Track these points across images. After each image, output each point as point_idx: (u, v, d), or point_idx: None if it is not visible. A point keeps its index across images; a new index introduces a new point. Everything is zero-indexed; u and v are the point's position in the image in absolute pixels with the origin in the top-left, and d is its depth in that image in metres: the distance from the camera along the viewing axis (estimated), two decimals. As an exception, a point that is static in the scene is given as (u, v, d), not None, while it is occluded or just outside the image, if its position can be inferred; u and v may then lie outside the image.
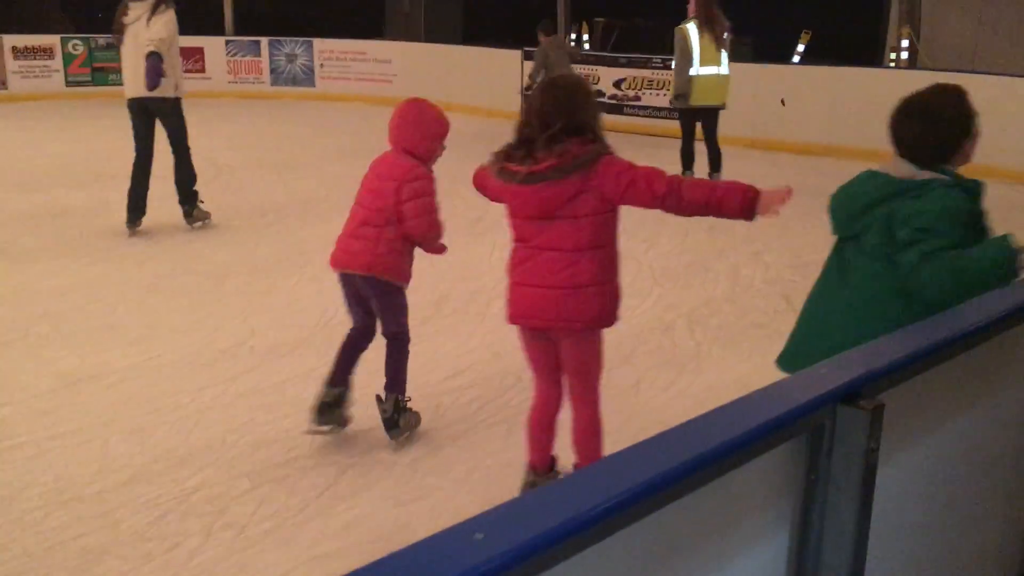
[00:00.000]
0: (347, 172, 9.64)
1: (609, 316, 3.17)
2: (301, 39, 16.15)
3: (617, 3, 20.95)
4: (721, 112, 8.44)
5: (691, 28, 8.31)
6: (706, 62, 8.26)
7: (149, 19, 6.78)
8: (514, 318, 3.18)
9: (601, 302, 3.12)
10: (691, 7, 8.37)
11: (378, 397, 3.85)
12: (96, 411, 4.05)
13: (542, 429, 3.36)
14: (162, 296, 5.67)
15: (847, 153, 11.17)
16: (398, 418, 3.82)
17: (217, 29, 16.57)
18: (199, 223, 7.34)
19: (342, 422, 3.89)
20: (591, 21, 16.30)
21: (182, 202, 7.32)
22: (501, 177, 3.00)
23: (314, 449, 3.79)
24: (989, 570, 2.47)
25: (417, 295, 5.74)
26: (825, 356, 1.64)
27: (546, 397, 3.32)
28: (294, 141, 11.71)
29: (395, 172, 3.68)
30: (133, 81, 6.91)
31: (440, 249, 3.89)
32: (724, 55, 8.37)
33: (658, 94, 12.95)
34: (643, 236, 7.30)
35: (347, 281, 3.84)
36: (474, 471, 3.66)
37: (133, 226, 7.02)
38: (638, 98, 13.22)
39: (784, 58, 13.55)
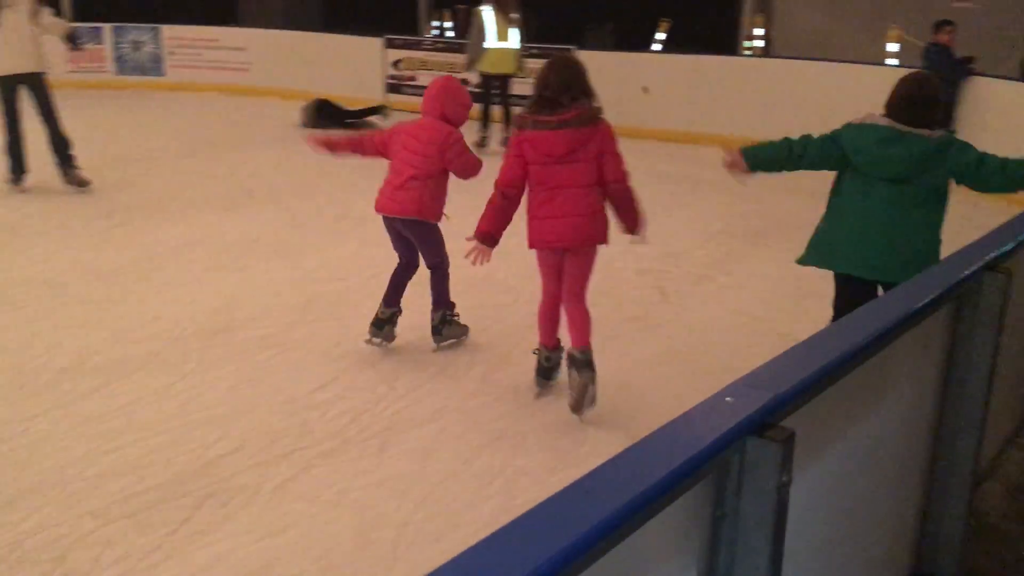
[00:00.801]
0: (202, 167, 9.17)
1: (607, 235, 4.13)
2: (148, 25, 15.24)
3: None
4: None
5: (486, 10, 9.80)
6: (500, 38, 9.86)
7: None
8: (539, 244, 4.12)
9: (606, 224, 4.08)
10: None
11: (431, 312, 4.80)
12: (-90, 449, 3.57)
13: (551, 319, 4.31)
14: (-8, 310, 5.13)
15: (708, 140, 11.36)
16: (442, 327, 4.78)
17: (55, 15, 15.42)
18: (79, 186, 7.94)
19: (390, 338, 4.76)
20: (454, 8, 16.05)
21: (60, 164, 8.00)
22: (536, 127, 3.88)
23: (167, 478, 3.45)
24: (883, 573, 2.42)
25: (280, 299, 5.45)
26: (909, 260, 3.33)
27: (554, 296, 4.25)
28: (143, 135, 10.99)
29: (436, 137, 4.48)
30: (14, 57, 7.62)
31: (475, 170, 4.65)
32: (515, 32, 9.94)
33: (522, 81, 12.85)
34: (510, 231, 7.13)
35: (390, 224, 4.70)
36: (347, 493, 3.40)
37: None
38: (414, 78, 13.15)
39: (645, 46, 13.68)
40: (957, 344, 2.38)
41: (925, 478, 2.49)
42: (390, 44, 13.82)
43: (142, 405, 4.02)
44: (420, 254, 4.76)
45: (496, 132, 10.14)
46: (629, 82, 12.08)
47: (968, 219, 7.76)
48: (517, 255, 6.40)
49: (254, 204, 7.75)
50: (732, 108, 11.37)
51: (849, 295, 3.83)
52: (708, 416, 1.39)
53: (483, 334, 5.03)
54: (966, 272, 2.17)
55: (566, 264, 4.12)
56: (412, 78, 13.70)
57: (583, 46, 12.47)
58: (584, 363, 4.03)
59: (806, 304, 5.63)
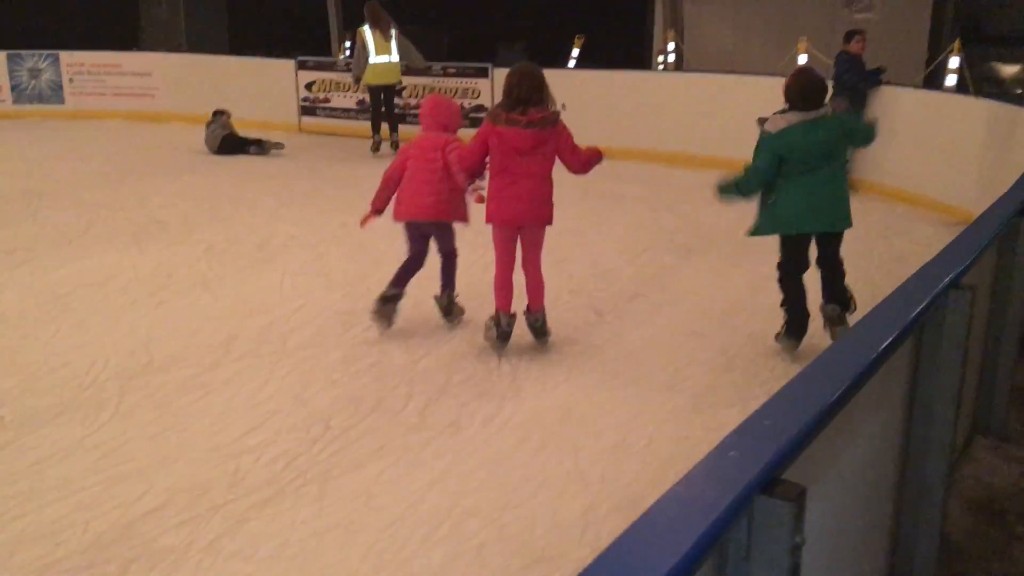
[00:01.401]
0: (109, 199, 8.74)
1: (552, 217, 4.99)
2: (45, 52, 14.58)
3: (390, 11, 20.61)
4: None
5: (366, 29, 10.85)
6: (380, 53, 10.88)
7: None
8: (499, 220, 4.87)
9: (553, 208, 4.97)
10: (367, 13, 10.93)
11: (436, 296, 5.42)
12: None
13: (507, 287, 5.02)
14: None
15: (625, 155, 11.39)
16: (451, 307, 5.40)
17: (-58, 42, 14.68)
18: None
19: (390, 321, 5.27)
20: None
21: None
22: (508, 123, 4.64)
23: (87, 543, 3.18)
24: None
25: (201, 337, 5.17)
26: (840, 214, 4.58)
27: (508, 267, 5.00)
28: (44, 166, 10.46)
29: (439, 143, 5.08)
30: None
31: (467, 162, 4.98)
32: (394, 46, 10.96)
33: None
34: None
35: (414, 226, 5.28)
36: (285, 547, 3.19)
37: None
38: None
39: (560, 63, 13.69)
40: (922, 365, 2.32)
41: (895, 502, 2.42)
42: (302, 66, 13.52)
43: (55, 461, 3.72)
44: (438, 246, 5.37)
45: (386, 137, 11.24)
46: (547, 99, 12.05)
47: (888, 227, 7.93)
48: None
49: (167, 235, 7.41)
50: (648, 122, 11.44)
51: (800, 251, 4.88)
52: (712, 474, 1.26)
53: (418, 364, 4.85)
54: (935, 291, 2.11)
55: (523, 239, 4.97)
56: (326, 100, 13.42)
57: (496, 63, 12.41)
58: (540, 330, 5.10)
59: (740, 317, 5.62)
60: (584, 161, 4.98)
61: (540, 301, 5.08)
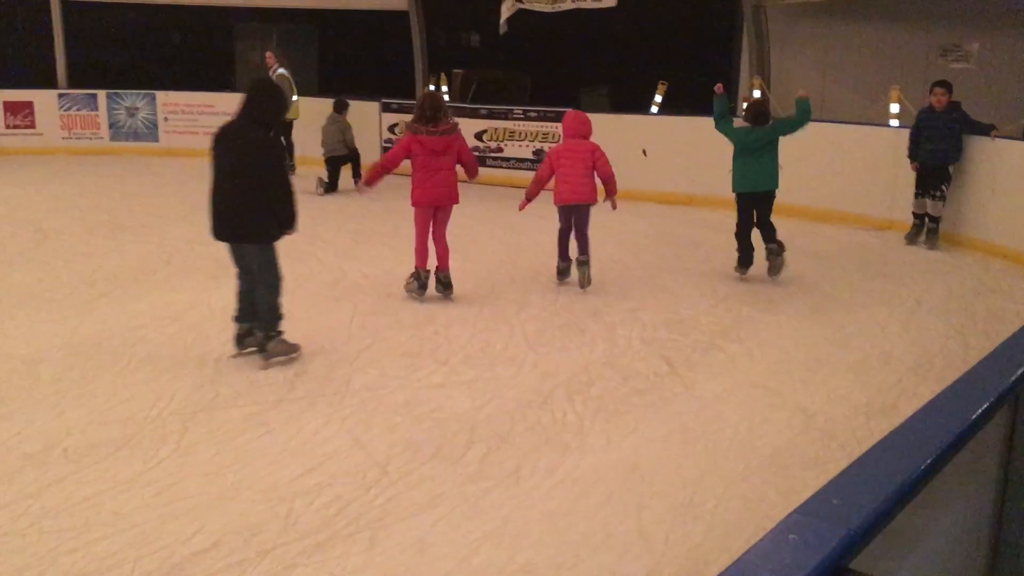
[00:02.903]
0: (191, 233, 8.91)
1: (458, 198, 6.66)
2: (143, 92, 15.17)
3: (475, 55, 20.89)
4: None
5: (285, 71, 12.54)
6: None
7: None
8: (424, 202, 6.49)
9: (458, 191, 6.63)
10: (269, 59, 12.86)
11: (577, 257, 7.11)
12: None
13: (425, 251, 6.62)
14: (-40, 389, 4.83)
15: (708, 202, 11.19)
16: (587, 271, 7.09)
17: (49, 82, 15.39)
18: None
19: (583, 280, 7.05)
20: (449, 73, 16.04)
21: None
22: (427, 134, 6.31)
23: (135, 582, 3.13)
24: None
25: (265, 374, 5.16)
26: (767, 180, 7.35)
27: (425, 237, 6.58)
28: (133, 201, 10.80)
29: (588, 147, 6.97)
30: None
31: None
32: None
33: (520, 145, 12.75)
34: (512, 296, 6.92)
35: (571, 208, 7.06)
36: (332, 597, 3.08)
37: None
38: (500, 149, 12.98)
39: (642, 108, 13.60)
40: (1018, 437, 2.10)
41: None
42: (386, 108, 13.74)
43: (112, 495, 3.71)
44: (580, 223, 7.04)
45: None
46: (627, 145, 11.94)
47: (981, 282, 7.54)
48: (516, 323, 6.19)
49: (244, 272, 7.49)
50: (731, 170, 11.21)
51: (746, 210, 7.44)
52: (768, 561, 1.10)
53: (481, 410, 4.73)
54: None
55: (437, 216, 6.59)
56: (408, 142, 13.58)
57: (579, 108, 12.37)
58: (447, 284, 6.73)
59: (821, 374, 5.36)
60: (474, 167, 6.78)
61: (447, 263, 6.71)
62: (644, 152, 11.84)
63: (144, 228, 9.16)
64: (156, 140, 15.10)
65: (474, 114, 13.15)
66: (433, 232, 6.59)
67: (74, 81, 15.48)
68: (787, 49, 13.28)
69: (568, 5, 12.76)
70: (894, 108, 10.39)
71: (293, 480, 3.90)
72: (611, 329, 6.14)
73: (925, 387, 5.04)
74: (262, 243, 5.20)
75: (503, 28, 13.72)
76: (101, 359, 5.34)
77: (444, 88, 15.38)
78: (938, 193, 8.78)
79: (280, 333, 5.36)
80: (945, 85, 8.89)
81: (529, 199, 7.14)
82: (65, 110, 14.92)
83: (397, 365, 5.37)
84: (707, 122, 11.93)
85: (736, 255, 7.54)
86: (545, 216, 10.24)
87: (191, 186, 11.91)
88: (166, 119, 15.14)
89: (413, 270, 6.66)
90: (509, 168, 12.86)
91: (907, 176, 9.35)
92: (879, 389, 5.11)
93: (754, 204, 7.36)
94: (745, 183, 7.38)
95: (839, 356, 5.70)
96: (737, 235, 7.50)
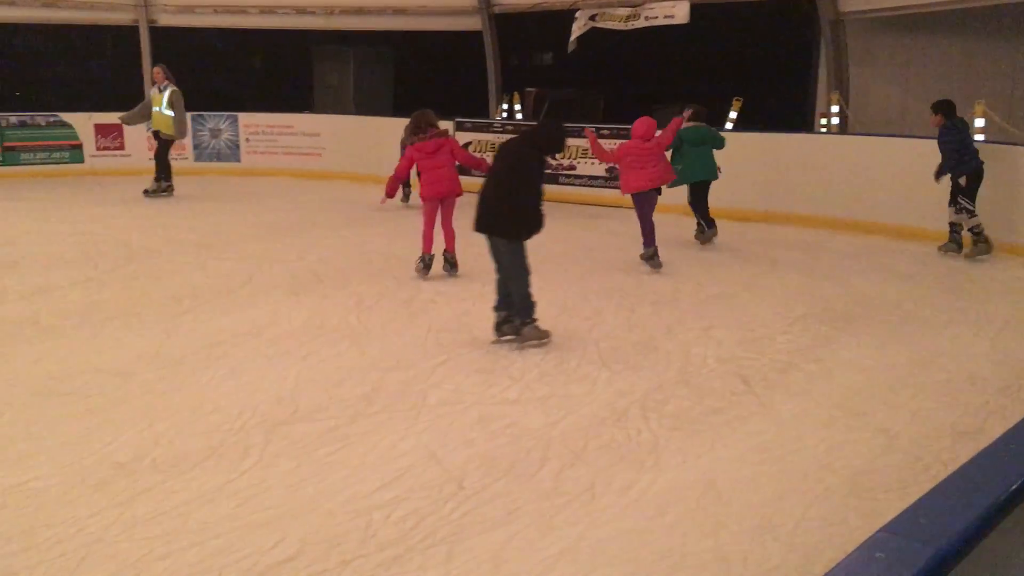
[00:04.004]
0: (271, 251, 9.18)
1: (460, 190, 8.04)
2: (226, 113, 15.66)
3: (548, 74, 21.00)
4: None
5: (177, 89, 12.49)
6: (155, 104, 12.67)
7: None
8: (430, 195, 7.91)
9: (459, 185, 8.03)
10: (157, 76, 12.57)
11: (641, 254, 8.46)
12: (-42, 552, 3.42)
13: (431, 237, 7.92)
14: (56, 400, 5.03)
15: (783, 219, 11.04)
16: (655, 254, 8.44)
17: (137, 105, 15.97)
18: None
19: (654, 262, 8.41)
20: (522, 92, 16.17)
21: None
22: (415, 141, 7.88)
23: (220, 589, 3.22)
24: None
25: (345, 389, 5.26)
26: (709, 171, 9.52)
27: (432, 225, 7.94)
28: (216, 219, 11.14)
29: (654, 142, 8.41)
30: None
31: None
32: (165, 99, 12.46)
33: (593, 162, 12.76)
34: (586, 313, 6.92)
35: (645, 194, 8.39)
36: (410, 609, 3.12)
37: None
38: (573, 167, 13.02)
39: (717, 125, 13.51)
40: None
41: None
42: (460, 127, 13.91)
43: (199, 505, 3.83)
44: (649, 208, 8.36)
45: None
46: (701, 161, 11.87)
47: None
48: (590, 341, 6.19)
49: (321, 288, 7.68)
50: (808, 186, 11.05)
51: (700, 192, 9.40)
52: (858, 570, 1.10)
53: (556, 427, 4.74)
54: None
55: (443, 207, 7.95)
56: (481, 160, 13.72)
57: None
58: (453, 264, 8.09)
59: (904, 395, 5.23)
60: (469, 160, 8.54)
61: (453, 246, 8.05)
62: (718, 169, 11.72)
63: (226, 246, 9.43)
64: (238, 160, 15.55)
65: (547, 132, 13.22)
66: (442, 221, 7.96)
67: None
68: (866, 63, 13.04)
69: (641, 23, 12.77)
70: (979, 123, 10.12)
71: (371, 493, 3.97)
72: (685, 347, 6.10)
73: (1014, 408, 4.89)
74: (511, 241, 5.92)
75: (572, 46, 13.79)
76: (187, 373, 5.51)
77: (517, 107, 15.53)
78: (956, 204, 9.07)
79: (534, 320, 6.02)
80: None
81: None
82: (152, 132, 15.46)
83: (472, 381, 5.42)
84: (783, 138, 11.89)
85: (697, 223, 9.63)
86: (618, 233, 10.24)
87: (271, 205, 12.28)
88: (248, 140, 15.59)
89: (421, 255, 8.00)
90: (582, 186, 12.89)
91: (992, 193, 9.10)
92: (965, 410, 4.97)
93: (704, 189, 9.48)
94: (696, 173, 9.36)
95: (923, 377, 5.56)
96: (699, 209, 9.51)
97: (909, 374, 5.61)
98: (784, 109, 15.68)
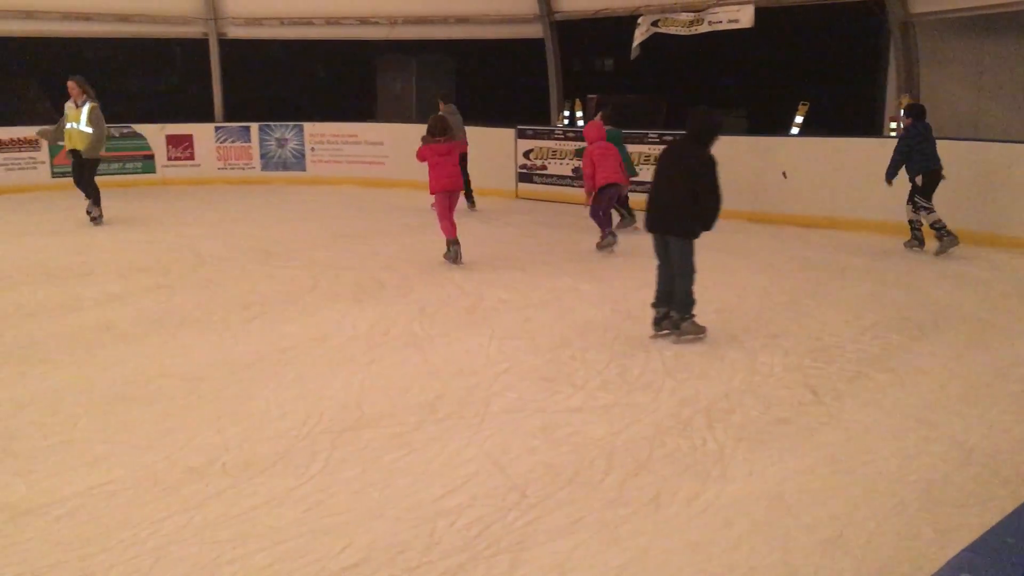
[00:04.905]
0: (335, 259, 9.31)
1: (463, 185, 9.70)
2: (291, 123, 15.97)
3: (609, 80, 20.93)
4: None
5: (95, 104, 11.33)
6: (71, 120, 11.44)
7: None
8: (443, 188, 8.84)
9: (464, 179, 10.88)
10: (73, 90, 11.30)
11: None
12: (39, 553, 3.52)
13: (452, 225, 8.96)
14: (129, 405, 5.17)
15: (851, 225, 10.82)
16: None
17: (207, 116, 16.41)
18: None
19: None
20: (584, 98, 16.15)
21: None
22: (436, 142, 8.80)
23: (288, 593, 3.26)
24: None
25: (409, 395, 5.30)
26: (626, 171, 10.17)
27: (451, 212, 8.94)
28: (282, 227, 11.35)
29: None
30: None
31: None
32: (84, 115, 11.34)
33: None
34: (648, 320, 6.85)
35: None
36: (475, 617, 3.12)
37: None
38: (635, 173, 12.93)
39: (783, 130, 13.31)
40: None
41: None
42: (521, 134, 13.94)
43: (267, 509, 3.88)
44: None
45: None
46: (767, 167, 11.72)
47: None
48: (653, 349, 6.14)
49: (385, 295, 7.75)
50: (878, 191, 10.80)
51: (611, 194, 9.74)
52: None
53: (619, 436, 4.71)
54: None
55: (451, 200, 8.89)
56: (543, 167, 13.73)
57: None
58: (454, 243, 9.01)
59: (980, 406, 5.08)
60: (465, 160, 10.69)
61: (454, 234, 9.03)
62: (784, 175, 11.56)
63: (292, 253, 9.59)
64: (303, 169, 15.83)
65: (609, 139, 13.16)
66: (452, 209, 9.04)
67: (229, 115, 16.43)
68: (937, 66, 12.71)
69: (705, 28, 12.66)
70: None
71: (435, 500, 3.98)
72: (752, 356, 6.01)
73: (1098, 422, 4.71)
74: (684, 238, 6.14)
75: (635, 52, 13.72)
76: (255, 378, 5.61)
77: (579, 113, 15.50)
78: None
79: (693, 316, 6.28)
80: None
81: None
82: (221, 142, 15.85)
83: (534, 389, 5.42)
84: (851, 143, 11.65)
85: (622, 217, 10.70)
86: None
87: (335, 212, 12.46)
88: (312, 149, 15.86)
89: (447, 240, 8.95)
90: (645, 192, 12.78)
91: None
92: (1045, 423, 4.80)
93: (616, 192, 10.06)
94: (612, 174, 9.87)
95: (999, 387, 5.39)
96: (598, 216, 9.76)
97: (985, 384, 5.45)
98: (852, 113, 15.38)
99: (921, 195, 9.41)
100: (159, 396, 5.31)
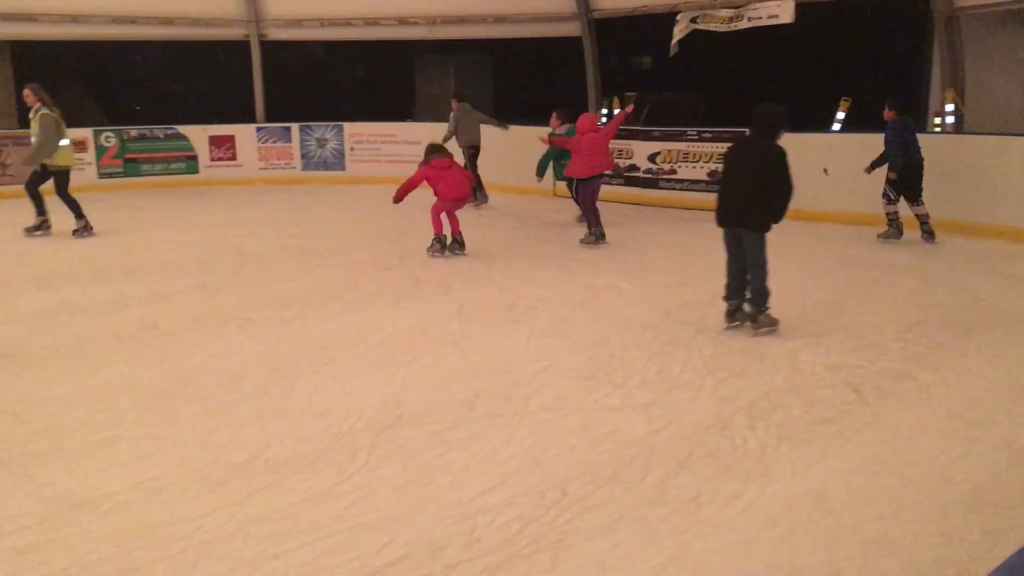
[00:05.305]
0: (375, 257, 9.38)
1: (470, 192, 9.91)
2: (331, 123, 16.11)
3: (647, 77, 20.83)
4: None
5: (50, 111, 10.51)
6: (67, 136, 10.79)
7: None
8: (450, 196, 9.27)
9: (470, 189, 9.98)
10: (28, 98, 10.58)
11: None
12: (87, 546, 3.59)
13: (441, 222, 9.30)
14: (174, 402, 5.25)
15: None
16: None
17: (248, 117, 16.62)
18: None
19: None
20: (622, 96, 16.08)
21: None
22: (439, 161, 9.34)
23: (330, 589, 3.30)
24: None
25: (448, 393, 5.33)
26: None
27: (443, 212, 9.32)
28: (322, 227, 11.46)
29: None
30: None
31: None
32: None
33: (694, 167, 12.59)
34: (688, 319, 6.84)
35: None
36: (515, 615, 3.13)
37: None
38: (674, 171, 12.87)
39: (824, 126, 13.15)
40: None
41: None
42: (559, 133, 13.89)
43: (309, 506, 3.92)
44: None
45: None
46: (807, 164, 11.56)
47: None
48: (693, 347, 6.11)
49: (424, 294, 7.79)
50: (924, 187, 10.63)
51: (594, 187, 9.98)
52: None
53: (659, 434, 4.69)
54: None
55: (454, 207, 9.34)
56: (581, 166, 13.68)
57: (757, 128, 12.12)
58: (462, 243, 9.40)
59: (1030, 407, 4.97)
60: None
61: (459, 229, 9.42)
62: (825, 171, 11.42)
63: (332, 253, 9.68)
64: (343, 169, 15.96)
65: (647, 136, 13.12)
66: (448, 215, 9.37)
67: (270, 115, 16.62)
68: (983, 60, 12.47)
69: (744, 24, 12.54)
70: (949, 107, 9.78)
71: (475, 498, 4.00)
72: (793, 354, 5.95)
73: None
74: (758, 232, 6.26)
75: (674, 49, 13.63)
76: (296, 376, 5.67)
77: (616, 111, 15.44)
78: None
79: (768, 308, 6.37)
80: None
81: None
82: (262, 142, 16.04)
83: (573, 387, 5.41)
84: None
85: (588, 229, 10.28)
86: (720, 238, 10.07)
87: (373, 211, 12.53)
88: (352, 149, 15.98)
89: (434, 237, 9.34)
90: (683, 190, 12.73)
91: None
92: (1097, 424, 4.69)
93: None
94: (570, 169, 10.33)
95: (1049, 388, 5.28)
96: (584, 204, 10.19)
97: (1035, 384, 5.34)
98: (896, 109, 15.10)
99: (892, 187, 9.67)
100: (203, 393, 5.38)
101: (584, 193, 10.01)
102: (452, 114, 13.15)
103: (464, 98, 13.19)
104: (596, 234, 9.90)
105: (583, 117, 10.37)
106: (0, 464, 4.39)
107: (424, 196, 9.43)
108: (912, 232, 10.05)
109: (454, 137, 12.91)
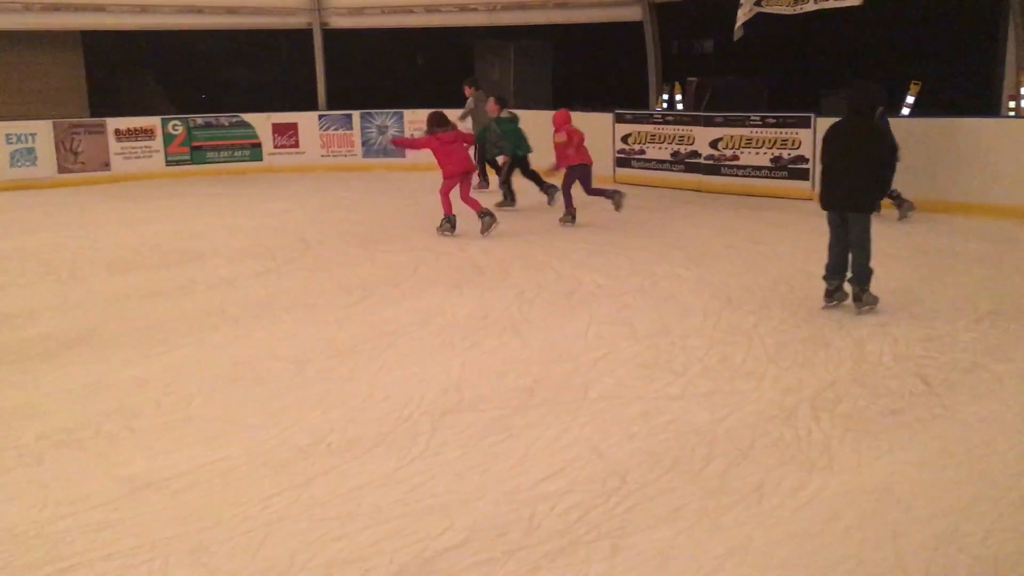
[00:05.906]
0: (434, 245, 9.44)
1: (474, 167, 10.31)
2: (392, 110, 16.21)
3: (709, 62, 20.54)
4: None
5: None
6: None
7: None
8: (456, 171, 9.60)
9: (474, 163, 10.48)
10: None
11: None
12: (158, 525, 3.69)
13: (449, 201, 9.73)
14: (241, 385, 5.36)
15: (966, 209, 10.36)
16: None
17: (311, 104, 16.81)
18: None
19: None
20: (684, 81, 15.87)
21: None
22: (437, 131, 9.66)
23: (392, 572, 3.34)
24: None
25: (508, 380, 5.34)
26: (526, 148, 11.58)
27: (449, 194, 9.68)
28: (383, 213, 11.56)
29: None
30: None
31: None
32: None
33: (757, 152, 12.39)
34: (750, 307, 6.75)
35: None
36: (575, 602, 3.13)
37: None
38: (736, 157, 12.67)
39: (893, 111, 12.79)
40: None
41: None
42: (619, 119, 13.81)
43: (371, 489, 3.98)
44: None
45: None
46: (875, 149, 11.29)
47: None
48: (755, 336, 6.03)
49: (483, 280, 7.81)
50: (996, 174, 10.32)
51: (581, 175, 10.33)
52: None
53: (721, 424, 4.64)
54: None
55: (461, 184, 9.59)
56: (641, 151, 13.58)
57: (819, 113, 11.88)
58: (486, 213, 9.65)
59: (1109, 400, 4.80)
60: (470, 138, 10.46)
61: (478, 206, 9.63)
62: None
63: (393, 239, 9.76)
64: (403, 156, 16.03)
65: (709, 122, 12.94)
66: (461, 194, 9.60)
67: (331, 103, 16.79)
68: (1062, 40, 12.01)
69: (811, 6, 12.25)
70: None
71: (535, 484, 4.01)
72: (859, 344, 5.83)
73: None
74: (864, 212, 6.39)
75: (738, 33, 13.39)
76: (358, 361, 5.74)
77: (678, 97, 15.25)
78: None
79: (869, 287, 6.51)
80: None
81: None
82: (324, 130, 16.22)
83: (633, 375, 5.38)
84: (967, 123, 11.14)
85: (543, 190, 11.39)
86: (782, 224, 9.93)
87: (433, 198, 12.50)
88: (412, 135, 16.04)
89: (444, 216, 9.73)
90: (745, 176, 12.52)
91: None
92: None
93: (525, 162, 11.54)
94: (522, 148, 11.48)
95: None
96: (565, 193, 10.49)
97: (1114, 377, 5.16)
98: (968, 92, 14.70)
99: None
100: (267, 377, 5.48)
101: (571, 178, 10.41)
102: (468, 100, 13.35)
103: (478, 84, 13.51)
104: (570, 214, 10.44)
105: (559, 113, 10.69)
106: (74, 444, 4.53)
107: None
108: (977, 218, 9.77)
109: (469, 121, 13.04)
